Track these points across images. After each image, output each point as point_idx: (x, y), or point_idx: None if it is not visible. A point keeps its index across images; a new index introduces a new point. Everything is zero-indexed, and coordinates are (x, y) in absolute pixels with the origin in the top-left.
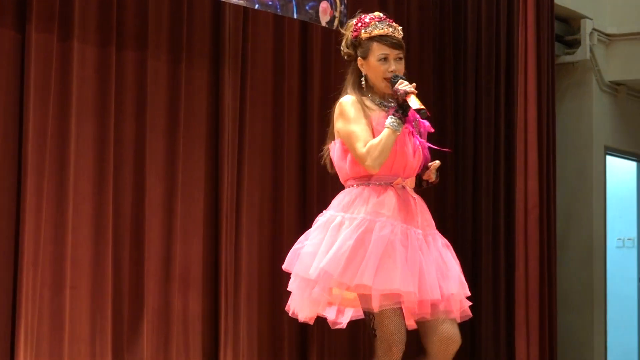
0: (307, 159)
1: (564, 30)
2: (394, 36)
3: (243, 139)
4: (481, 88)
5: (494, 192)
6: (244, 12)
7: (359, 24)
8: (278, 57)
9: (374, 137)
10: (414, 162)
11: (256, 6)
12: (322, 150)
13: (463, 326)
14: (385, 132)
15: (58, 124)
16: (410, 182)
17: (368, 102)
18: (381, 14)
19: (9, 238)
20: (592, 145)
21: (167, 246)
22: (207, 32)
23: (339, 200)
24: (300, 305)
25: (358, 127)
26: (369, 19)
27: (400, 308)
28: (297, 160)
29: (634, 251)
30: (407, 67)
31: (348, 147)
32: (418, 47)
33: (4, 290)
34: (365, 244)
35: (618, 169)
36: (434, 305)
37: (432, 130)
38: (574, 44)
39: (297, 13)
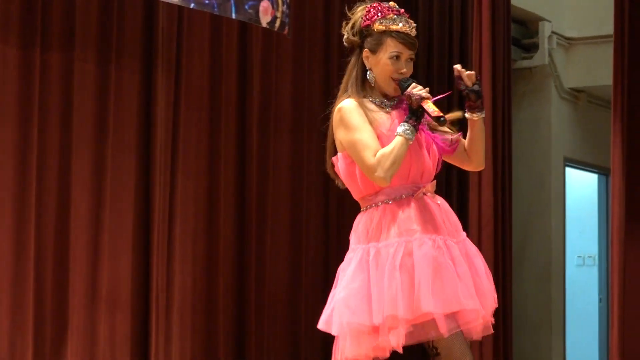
0: (245, 169)
1: (521, 34)
2: (411, 35)
3: (177, 148)
4: (432, 94)
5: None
6: (179, 11)
7: (374, 12)
8: (215, 60)
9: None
10: (431, 164)
11: (192, 5)
12: (325, 165)
13: (410, 350)
14: (398, 140)
15: None
16: (432, 186)
17: (368, 103)
18: (395, 5)
19: None
20: (550, 156)
21: (93, 263)
22: (139, 32)
23: (363, 228)
24: (359, 353)
25: (364, 134)
26: (387, 9)
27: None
28: (234, 170)
29: (595, 269)
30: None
31: (354, 158)
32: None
33: None
34: (411, 269)
35: (578, 181)
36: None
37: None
38: (532, 48)
39: (235, 13)
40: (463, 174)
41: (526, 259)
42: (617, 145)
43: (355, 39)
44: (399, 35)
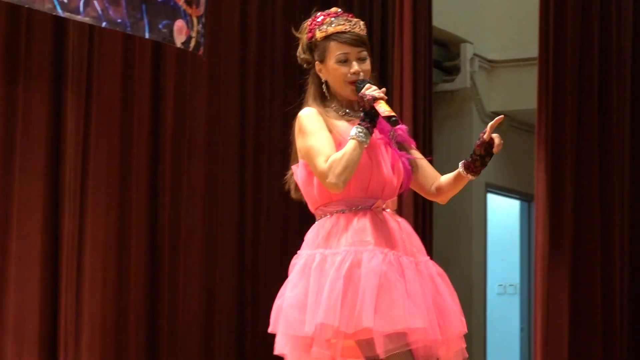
0: (158, 194)
1: (442, 56)
2: (354, 31)
3: (87, 173)
4: None
5: None
6: (90, 30)
7: (312, 23)
8: (127, 81)
9: None
10: (394, 180)
11: (103, 24)
12: (286, 175)
13: None
14: (351, 143)
15: None
16: (392, 204)
17: (332, 113)
18: (338, 9)
19: None
20: (471, 181)
21: None
22: (48, 51)
23: (313, 235)
24: None
25: (318, 140)
26: (325, 15)
27: (410, 351)
28: (147, 196)
29: (517, 298)
30: (270, 93)
31: (310, 165)
32: (282, 74)
33: None
34: (355, 280)
35: (500, 208)
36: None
37: (413, 142)
38: (453, 71)
39: (149, 32)
40: None
41: None
42: (541, 170)
43: (306, 56)
44: (339, 36)
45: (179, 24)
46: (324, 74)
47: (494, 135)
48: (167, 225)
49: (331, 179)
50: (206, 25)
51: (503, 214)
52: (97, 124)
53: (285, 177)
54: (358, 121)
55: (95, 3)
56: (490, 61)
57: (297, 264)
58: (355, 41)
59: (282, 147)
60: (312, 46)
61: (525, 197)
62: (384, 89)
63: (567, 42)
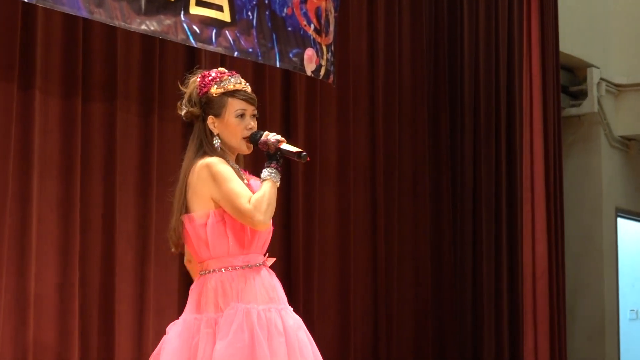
0: (291, 220)
1: (568, 81)
2: (248, 92)
3: None
4: (480, 143)
5: (496, 257)
6: (221, 60)
7: (208, 79)
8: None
9: None
10: (268, 234)
11: (235, 54)
12: (169, 228)
13: None
14: (267, 184)
15: (19, 182)
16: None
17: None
18: (226, 70)
19: None
20: (601, 206)
21: (139, 319)
22: (181, 81)
23: (224, 289)
24: None
25: (235, 184)
26: (220, 73)
27: None
28: (280, 222)
29: None
30: (399, 120)
31: (229, 209)
32: (410, 101)
33: None
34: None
35: (631, 232)
36: None
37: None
38: (580, 95)
39: (280, 61)
40: (513, 228)
41: (578, 312)
42: None
43: (195, 109)
44: (239, 94)
45: (309, 52)
46: (219, 128)
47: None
48: (302, 250)
49: (259, 216)
50: (335, 53)
51: (634, 238)
52: None
53: (171, 225)
54: (245, 173)
55: (227, 33)
56: (617, 85)
57: (231, 319)
58: (252, 100)
59: (411, 172)
60: (204, 100)
61: None
62: (279, 135)
63: None
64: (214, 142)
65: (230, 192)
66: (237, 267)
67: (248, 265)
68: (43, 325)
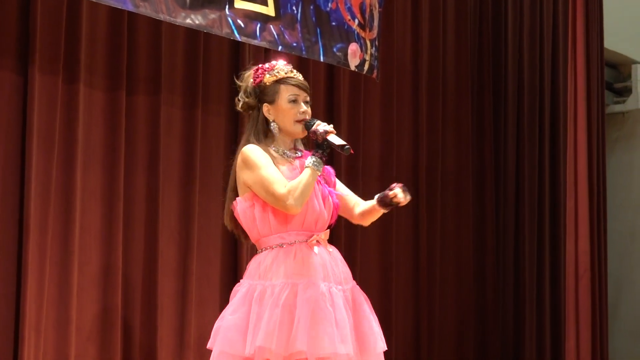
0: None
1: (612, 77)
2: (300, 78)
3: None
4: (523, 141)
5: (539, 254)
6: (265, 53)
7: (262, 69)
8: None
9: None
10: (325, 214)
11: (279, 48)
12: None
13: None
14: (307, 171)
15: (63, 175)
16: (325, 235)
17: (271, 151)
18: (278, 61)
19: (10, 302)
20: None
21: (181, 313)
22: (225, 75)
23: (255, 267)
24: None
25: (270, 170)
26: (271, 64)
27: None
28: None
29: None
30: (443, 117)
31: (263, 195)
32: (454, 98)
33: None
34: (292, 309)
35: None
36: None
37: (332, 179)
38: (624, 92)
39: (324, 56)
40: (556, 225)
41: (620, 311)
42: None
43: (251, 100)
44: (291, 79)
45: (353, 47)
46: (273, 115)
47: (397, 192)
48: (343, 245)
49: (291, 201)
50: (379, 48)
51: None
52: None
53: (225, 209)
54: (296, 161)
55: (271, 27)
56: None
57: (240, 291)
58: (304, 85)
59: (454, 170)
60: (259, 90)
61: None
62: (331, 125)
63: None
64: (272, 126)
65: (264, 178)
66: (273, 247)
67: (282, 244)
68: (85, 318)
